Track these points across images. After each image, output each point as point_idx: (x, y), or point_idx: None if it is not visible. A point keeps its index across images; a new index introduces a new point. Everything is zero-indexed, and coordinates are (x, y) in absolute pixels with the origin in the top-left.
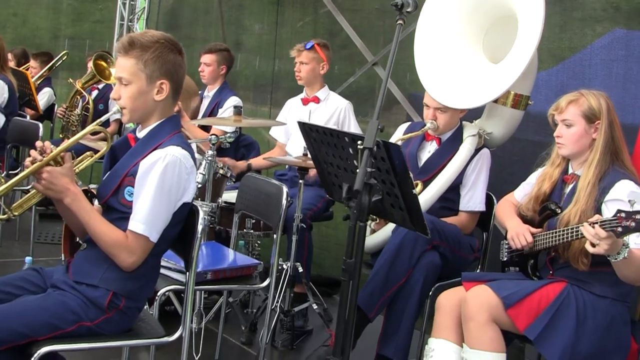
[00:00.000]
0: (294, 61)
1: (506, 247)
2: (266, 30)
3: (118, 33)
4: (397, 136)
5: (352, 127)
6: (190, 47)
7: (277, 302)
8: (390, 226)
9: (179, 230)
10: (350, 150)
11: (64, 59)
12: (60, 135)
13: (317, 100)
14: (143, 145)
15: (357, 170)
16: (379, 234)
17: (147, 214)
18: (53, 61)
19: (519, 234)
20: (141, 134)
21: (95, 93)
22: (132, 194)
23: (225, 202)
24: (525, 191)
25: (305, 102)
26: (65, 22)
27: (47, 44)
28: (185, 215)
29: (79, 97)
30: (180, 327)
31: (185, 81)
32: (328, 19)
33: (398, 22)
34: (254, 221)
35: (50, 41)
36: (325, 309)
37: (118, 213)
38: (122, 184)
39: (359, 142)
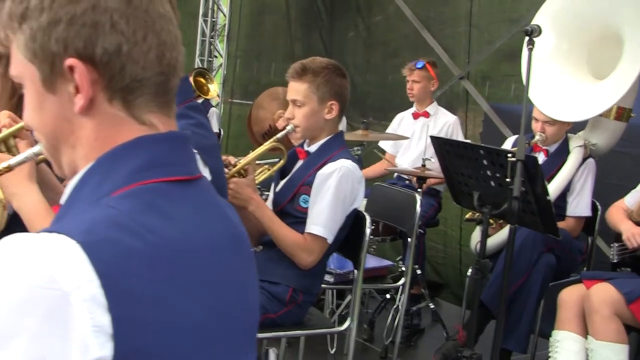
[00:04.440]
0: (405, 79)
1: (618, 249)
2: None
3: (200, 50)
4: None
5: (460, 140)
6: (271, 62)
7: (399, 301)
8: (507, 230)
9: (346, 233)
10: (485, 162)
11: None
12: None
13: (427, 115)
14: (315, 158)
15: (507, 180)
16: (496, 237)
17: (326, 218)
18: None
19: (635, 235)
20: (312, 148)
21: None
22: (307, 201)
23: None
24: (635, 198)
25: (415, 116)
26: None
27: None
28: (352, 220)
29: None
30: (349, 319)
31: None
32: (413, 34)
33: (528, 46)
34: (373, 227)
35: None
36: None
37: (293, 218)
38: (298, 193)
39: (509, 155)
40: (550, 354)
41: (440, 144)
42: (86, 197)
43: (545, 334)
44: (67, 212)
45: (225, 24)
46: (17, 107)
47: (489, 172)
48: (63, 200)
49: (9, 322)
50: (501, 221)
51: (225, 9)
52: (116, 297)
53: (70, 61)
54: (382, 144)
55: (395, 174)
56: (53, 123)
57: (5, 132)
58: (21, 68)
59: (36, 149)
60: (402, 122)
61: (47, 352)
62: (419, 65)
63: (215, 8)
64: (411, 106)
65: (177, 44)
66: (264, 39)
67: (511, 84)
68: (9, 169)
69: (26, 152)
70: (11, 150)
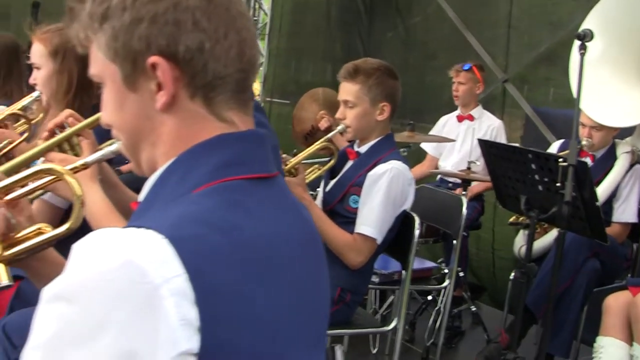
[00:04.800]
0: (446, 81)
1: None
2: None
3: None
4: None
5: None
6: (310, 61)
7: (441, 303)
8: (551, 235)
9: (394, 235)
10: (533, 166)
11: None
12: None
13: (471, 118)
14: (366, 158)
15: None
16: (540, 242)
17: (376, 218)
18: None
19: None
20: (362, 148)
21: None
22: (356, 201)
23: None
24: None
25: (460, 119)
26: None
27: None
28: (401, 221)
29: None
30: (395, 319)
31: (332, 95)
32: (452, 35)
33: (580, 51)
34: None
35: None
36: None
37: (342, 218)
38: (348, 193)
39: (560, 159)
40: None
41: (488, 147)
42: (168, 194)
43: (587, 340)
44: (148, 208)
45: (266, 23)
46: (72, 104)
47: (537, 176)
48: (142, 196)
49: (101, 315)
50: (546, 226)
51: (267, 7)
52: (203, 291)
53: (153, 59)
54: (424, 146)
55: (439, 177)
56: (134, 121)
57: (68, 130)
58: (102, 67)
59: (113, 147)
60: (446, 124)
61: (136, 344)
62: (466, 67)
63: (257, 7)
64: (448, 108)
65: (255, 42)
66: (304, 38)
67: (549, 88)
68: (86, 166)
69: (103, 150)
70: (74, 149)
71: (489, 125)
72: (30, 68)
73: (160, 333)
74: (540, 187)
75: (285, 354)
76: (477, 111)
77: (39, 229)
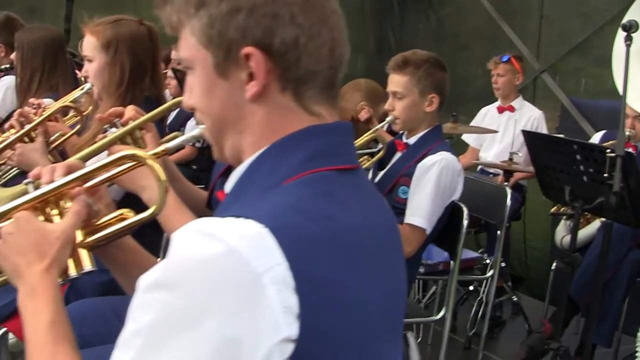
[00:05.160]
0: (491, 73)
1: None
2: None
3: None
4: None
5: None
6: None
7: (483, 293)
8: (594, 225)
9: (443, 225)
10: (578, 157)
11: None
12: None
13: (512, 109)
14: (415, 150)
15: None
16: (584, 232)
17: (425, 209)
18: None
19: None
20: (411, 140)
21: None
22: (406, 192)
23: None
24: None
25: (500, 110)
26: None
27: None
28: (450, 212)
29: None
30: (444, 308)
31: (373, 86)
32: (484, 26)
33: (626, 42)
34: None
35: None
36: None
37: (391, 209)
38: (397, 184)
39: (608, 150)
40: (637, 349)
41: (532, 138)
42: (259, 183)
43: (629, 330)
44: (237, 197)
45: None
46: (124, 96)
47: (582, 167)
48: (229, 186)
49: (204, 302)
50: (589, 216)
51: None
52: (302, 280)
53: (247, 49)
54: (465, 137)
55: (479, 167)
56: (222, 107)
57: (131, 124)
58: (193, 52)
59: (195, 132)
60: (486, 115)
61: (239, 330)
62: (505, 58)
63: None
64: (479, 100)
65: (346, 40)
66: None
67: (581, 78)
68: (166, 152)
69: (185, 136)
70: (137, 142)
71: (530, 116)
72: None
73: (263, 320)
74: (585, 178)
75: (375, 339)
76: (518, 102)
77: (122, 214)
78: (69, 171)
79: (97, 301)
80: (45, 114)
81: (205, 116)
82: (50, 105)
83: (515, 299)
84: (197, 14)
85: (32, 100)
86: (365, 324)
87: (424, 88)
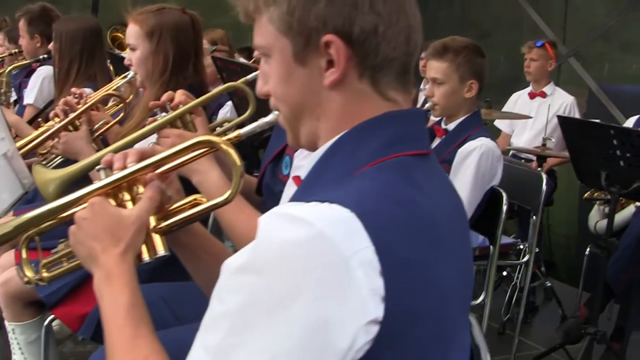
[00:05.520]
0: (524, 57)
1: None
2: None
3: None
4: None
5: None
6: None
7: (517, 279)
8: (629, 210)
9: (482, 211)
10: (614, 142)
11: None
12: None
13: (543, 95)
14: (454, 136)
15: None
16: (619, 216)
17: (465, 195)
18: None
19: None
20: (450, 126)
21: None
22: None
23: None
24: None
25: (532, 96)
26: None
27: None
28: (488, 197)
29: None
30: (483, 293)
31: None
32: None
33: None
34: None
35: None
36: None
37: None
38: None
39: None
40: None
41: (567, 124)
42: (337, 168)
43: None
44: (315, 182)
45: None
46: (167, 84)
47: (618, 152)
48: (304, 171)
49: (293, 285)
50: (623, 201)
51: None
52: (388, 262)
53: (328, 37)
54: (497, 123)
55: (510, 153)
56: (299, 94)
57: (181, 108)
58: (271, 39)
59: (268, 118)
60: (518, 101)
61: (328, 312)
62: (539, 44)
63: None
64: (500, 87)
65: (420, 27)
66: None
67: (604, 64)
68: (239, 137)
69: (257, 122)
70: (187, 126)
71: (562, 102)
72: None
73: (351, 302)
74: (621, 163)
75: (451, 317)
76: (549, 88)
77: (195, 200)
78: (142, 157)
79: (144, 288)
80: (89, 102)
81: (281, 103)
82: (91, 94)
83: (548, 284)
84: (276, 2)
85: (73, 89)
86: (444, 303)
87: (464, 74)
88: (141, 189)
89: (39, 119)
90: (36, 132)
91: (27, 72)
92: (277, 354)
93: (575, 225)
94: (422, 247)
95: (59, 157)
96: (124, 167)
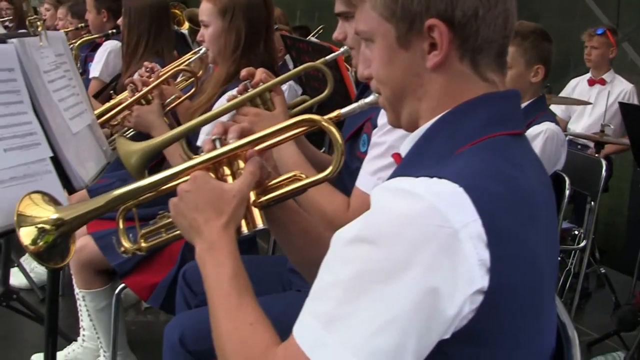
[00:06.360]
0: (584, 45)
1: None
2: None
3: None
4: None
5: None
6: None
7: (571, 265)
8: None
9: None
10: None
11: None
12: None
13: (603, 82)
14: None
15: None
16: None
17: None
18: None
19: None
20: None
21: None
22: None
23: None
24: None
25: (591, 83)
26: None
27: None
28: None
29: None
30: None
31: None
32: None
33: None
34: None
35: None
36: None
37: None
38: None
39: None
40: None
41: (628, 110)
42: (438, 147)
43: None
44: (416, 159)
45: None
46: (239, 61)
47: None
48: (405, 149)
49: (406, 255)
50: None
51: None
52: (494, 235)
53: (431, 21)
54: (554, 109)
55: (568, 138)
56: (402, 76)
57: (261, 86)
58: (374, 25)
59: (369, 99)
60: (576, 87)
61: (438, 282)
62: (599, 31)
63: None
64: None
65: (516, 11)
66: None
67: None
68: (339, 117)
69: (358, 102)
70: (266, 104)
71: (622, 90)
72: None
73: (460, 272)
74: None
75: (542, 291)
76: (609, 75)
77: (295, 175)
78: (242, 134)
79: None
80: (163, 77)
81: (384, 85)
82: (162, 69)
83: (602, 271)
84: None
85: (146, 63)
86: (538, 278)
87: (530, 59)
88: (241, 165)
89: (108, 92)
90: (108, 104)
91: (93, 46)
92: (387, 322)
93: (625, 212)
94: (522, 222)
95: (130, 129)
96: (240, 137)
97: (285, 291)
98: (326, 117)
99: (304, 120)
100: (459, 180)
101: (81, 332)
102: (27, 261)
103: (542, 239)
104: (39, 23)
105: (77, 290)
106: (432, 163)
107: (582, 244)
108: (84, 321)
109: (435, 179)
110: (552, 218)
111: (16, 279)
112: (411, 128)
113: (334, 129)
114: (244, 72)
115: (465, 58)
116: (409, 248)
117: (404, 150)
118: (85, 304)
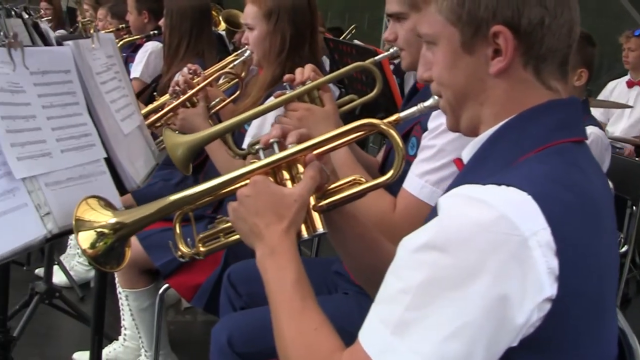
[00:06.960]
0: (621, 47)
1: None
2: None
3: None
4: None
5: None
6: None
7: None
8: None
9: None
10: None
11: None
12: None
13: None
14: None
15: None
16: None
17: None
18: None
19: None
20: None
21: None
22: None
23: None
24: None
25: (630, 85)
26: None
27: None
28: None
29: None
30: None
31: None
32: None
33: None
34: None
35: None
36: None
37: None
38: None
39: None
40: None
41: None
42: (502, 153)
43: None
44: (481, 164)
45: None
46: (284, 64)
47: None
48: (468, 154)
49: (476, 263)
50: None
51: None
52: (562, 243)
53: (497, 28)
54: (592, 111)
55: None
56: (465, 81)
57: (309, 84)
58: (439, 29)
59: (428, 102)
60: (614, 90)
61: (508, 289)
62: (637, 32)
63: None
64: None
65: (579, 20)
66: None
67: None
68: (398, 121)
69: (417, 106)
70: (314, 101)
71: None
72: None
73: (530, 280)
74: None
75: (606, 298)
76: None
77: (355, 179)
78: (300, 139)
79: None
80: (208, 79)
81: (445, 89)
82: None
83: None
84: None
85: (189, 65)
86: (602, 285)
87: (574, 63)
88: (300, 169)
89: (149, 93)
90: (151, 106)
91: (134, 47)
92: (457, 328)
93: None
94: (589, 230)
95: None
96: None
97: (330, 294)
98: (385, 120)
99: (364, 125)
100: (527, 188)
101: (122, 331)
102: (66, 259)
103: (606, 245)
104: (90, 25)
105: (120, 290)
106: (497, 169)
107: (622, 249)
108: (126, 320)
109: (503, 186)
110: (613, 224)
111: (56, 277)
112: (470, 133)
113: (394, 133)
114: (286, 77)
115: (529, 65)
116: (479, 255)
117: (465, 156)
118: (128, 303)
